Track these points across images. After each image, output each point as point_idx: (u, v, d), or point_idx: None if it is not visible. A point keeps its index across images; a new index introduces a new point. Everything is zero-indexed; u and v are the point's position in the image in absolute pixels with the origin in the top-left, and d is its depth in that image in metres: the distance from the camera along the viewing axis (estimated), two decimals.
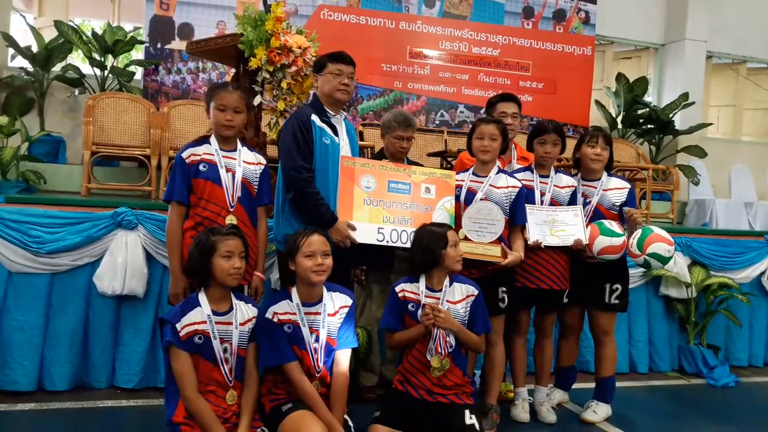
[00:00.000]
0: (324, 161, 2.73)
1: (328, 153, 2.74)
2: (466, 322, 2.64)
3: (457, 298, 2.65)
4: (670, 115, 6.89)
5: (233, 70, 3.83)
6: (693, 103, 7.04)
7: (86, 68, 5.75)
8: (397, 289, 2.67)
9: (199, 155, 2.55)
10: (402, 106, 6.49)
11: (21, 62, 5.60)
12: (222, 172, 2.55)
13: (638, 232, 2.94)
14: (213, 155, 2.56)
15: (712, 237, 4.52)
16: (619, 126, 7.08)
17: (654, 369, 4.25)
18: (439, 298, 2.61)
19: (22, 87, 5.58)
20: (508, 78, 6.82)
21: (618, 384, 3.30)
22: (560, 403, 3.36)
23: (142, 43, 5.84)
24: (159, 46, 5.88)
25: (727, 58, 8.37)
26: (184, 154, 2.55)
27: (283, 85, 3.43)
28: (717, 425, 3.27)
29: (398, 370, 2.73)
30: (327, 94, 2.79)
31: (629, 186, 3.13)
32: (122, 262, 3.14)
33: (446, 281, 2.65)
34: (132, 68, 5.85)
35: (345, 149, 2.83)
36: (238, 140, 2.69)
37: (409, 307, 2.64)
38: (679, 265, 4.18)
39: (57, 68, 5.70)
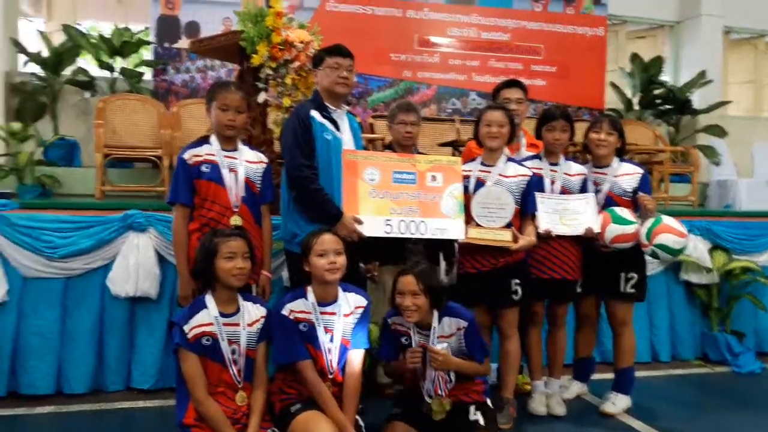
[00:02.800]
0: (326, 157, 2.69)
1: (330, 149, 2.70)
2: (463, 350, 2.53)
3: (446, 333, 2.52)
4: (688, 95, 6.72)
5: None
6: (711, 81, 6.86)
7: (96, 71, 5.78)
8: (389, 321, 2.58)
9: (201, 156, 2.54)
10: (412, 95, 6.42)
11: (32, 67, 5.64)
12: (224, 172, 2.54)
13: (650, 221, 2.84)
14: (215, 155, 2.55)
15: (733, 219, 4.39)
16: (636, 107, 6.92)
17: (677, 357, 4.15)
18: (428, 335, 2.49)
19: (34, 92, 5.63)
20: (519, 62, 6.70)
21: (639, 373, 3.24)
22: (579, 395, 3.30)
23: (149, 43, 5.84)
24: (167, 45, 5.88)
25: (745, 33, 8.13)
26: (186, 156, 2.53)
27: (288, 81, 3.40)
28: (743, 414, 3.19)
29: None
30: (326, 88, 2.75)
31: (642, 171, 3.04)
32: (134, 264, 3.16)
33: (435, 318, 2.49)
34: (141, 69, 5.87)
35: (347, 144, 2.79)
36: (238, 140, 2.66)
37: (402, 340, 2.55)
38: (699, 249, 4.06)
39: (67, 72, 5.73)
